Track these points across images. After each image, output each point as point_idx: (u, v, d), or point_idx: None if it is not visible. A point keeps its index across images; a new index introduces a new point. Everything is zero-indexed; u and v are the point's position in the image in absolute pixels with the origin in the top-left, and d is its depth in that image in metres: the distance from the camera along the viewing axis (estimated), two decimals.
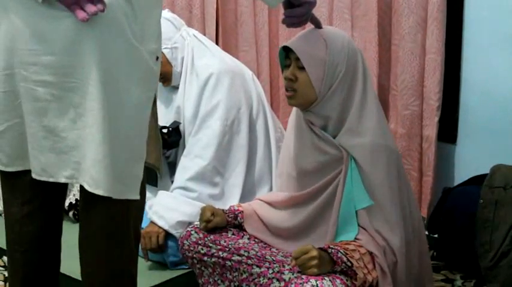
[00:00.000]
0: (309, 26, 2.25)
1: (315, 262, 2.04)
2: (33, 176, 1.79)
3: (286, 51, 2.26)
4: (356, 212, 2.21)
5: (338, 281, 2.09)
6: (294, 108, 2.38)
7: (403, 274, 2.20)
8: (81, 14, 1.61)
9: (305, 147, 2.30)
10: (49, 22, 1.66)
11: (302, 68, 2.21)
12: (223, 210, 2.42)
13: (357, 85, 2.24)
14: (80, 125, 1.72)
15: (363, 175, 2.20)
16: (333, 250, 2.08)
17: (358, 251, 2.12)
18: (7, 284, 2.08)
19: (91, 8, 1.61)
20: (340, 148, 2.22)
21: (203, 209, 2.38)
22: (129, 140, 1.75)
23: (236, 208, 2.44)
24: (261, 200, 2.46)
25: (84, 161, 1.73)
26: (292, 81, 2.22)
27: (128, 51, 1.70)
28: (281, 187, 2.46)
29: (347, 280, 2.10)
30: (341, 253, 2.08)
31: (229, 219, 2.40)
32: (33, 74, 1.70)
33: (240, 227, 2.43)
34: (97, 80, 1.67)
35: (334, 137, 2.25)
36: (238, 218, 2.41)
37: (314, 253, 2.04)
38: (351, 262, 2.08)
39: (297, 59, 2.21)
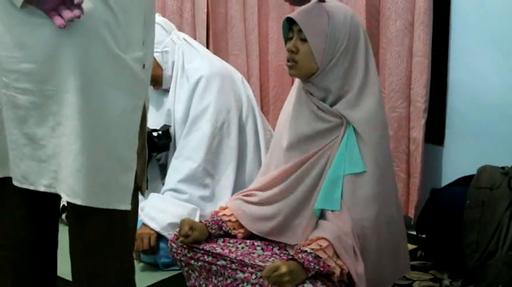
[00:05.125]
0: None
1: (286, 278, 2.01)
2: (15, 183, 1.75)
3: (290, 24, 2.26)
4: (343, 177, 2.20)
5: (319, 282, 2.07)
6: (295, 84, 2.38)
7: (373, 251, 2.19)
8: (58, 21, 1.58)
9: (304, 115, 2.29)
10: (29, 29, 1.63)
11: (304, 40, 2.21)
12: (206, 223, 2.36)
13: (358, 60, 2.24)
14: (59, 133, 1.68)
15: (360, 142, 2.20)
16: (302, 256, 2.06)
17: (320, 246, 2.09)
18: None
19: (68, 14, 1.58)
20: (340, 115, 2.22)
21: (182, 223, 2.33)
22: (114, 150, 1.71)
23: (220, 217, 2.38)
24: (243, 196, 2.41)
25: (61, 170, 1.69)
26: (294, 52, 2.23)
27: (109, 59, 1.66)
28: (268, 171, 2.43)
29: (327, 281, 2.08)
30: (311, 256, 2.06)
31: (213, 231, 2.34)
32: (13, 81, 1.66)
33: (227, 236, 2.38)
34: (75, 88, 1.64)
35: (331, 107, 2.26)
36: (223, 227, 2.36)
37: (283, 269, 2.01)
38: (322, 262, 2.06)
39: (300, 31, 2.22)
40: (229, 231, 2.34)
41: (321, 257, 2.06)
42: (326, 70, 2.22)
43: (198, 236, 2.30)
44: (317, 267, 2.05)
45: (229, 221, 2.35)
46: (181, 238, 2.29)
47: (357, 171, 2.19)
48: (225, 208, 2.39)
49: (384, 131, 2.26)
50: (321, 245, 2.08)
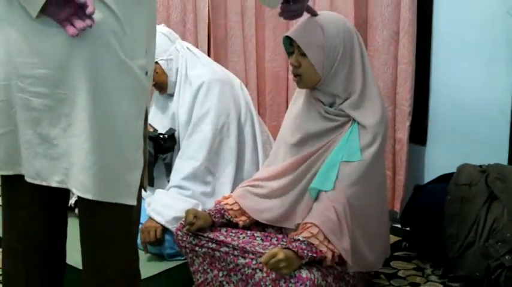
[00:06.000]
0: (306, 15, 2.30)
1: (283, 263, 2.06)
2: (27, 179, 1.76)
3: (290, 40, 2.29)
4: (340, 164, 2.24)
5: (314, 268, 2.13)
6: (300, 90, 2.42)
7: (358, 230, 2.24)
8: (71, 30, 1.60)
9: (312, 116, 2.34)
10: (43, 37, 1.65)
11: (304, 55, 2.25)
12: (209, 212, 2.40)
13: (356, 63, 2.28)
14: (70, 133, 1.69)
15: (362, 136, 2.24)
16: (296, 245, 2.10)
17: (312, 234, 2.15)
18: None
19: (80, 24, 1.59)
20: (346, 113, 2.26)
21: (186, 213, 2.37)
22: (122, 150, 1.72)
23: (222, 206, 2.41)
24: (251, 187, 2.45)
25: (72, 167, 1.70)
26: (297, 67, 2.27)
27: (117, 65, 1.68)
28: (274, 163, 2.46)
29: (322, 267, 2.15)
30: (304, 243, 2.11)
31: (216, 219, 2.38)
32: (28, 86, 1.68)
33: (229, 225, 2.41)
34: (86, 92, 1.65)
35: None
36: (225, 215, 2.40)
37: (281, 255, 2.06)
38: (315, 248, 2.11)
39: (299, 47, 2.25)
40: (231, 219, 2.38)
41: (313, 244, 2.11)
42: (328, 78, 2.26)
43: (202, 224, 2.34)
44: (310, 254, 2.09)
45: (231, 209, 2.39)
46: (187, 226, 2.32)
47: (354, 160, 2.22)
48: (227, 197, 2.43)
49: (385, 128, 2.30)
50: (312, 233, 2.13)
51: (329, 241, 2.15)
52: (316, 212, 2.22)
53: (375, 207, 2.33)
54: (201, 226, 2.35)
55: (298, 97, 2.45)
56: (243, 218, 2.42)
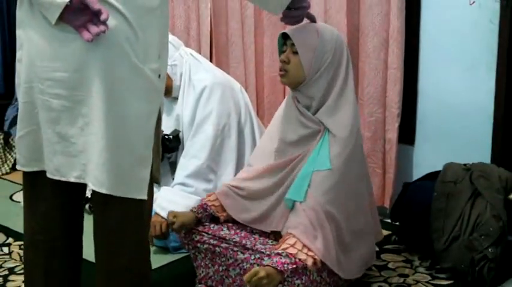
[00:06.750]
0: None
1: (265, 281, 2.06)
2: (48, 175, 1.80)
3: (284, 39, 2.34)
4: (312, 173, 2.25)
5: (315, 274, 2.20)
6: (287, 95, 2.45)
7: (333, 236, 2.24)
8: (86, 35, 1.64)
9: (291, 122, 2.37)
10: (62, 43, 1.69)
11: (296, 53, 2.29)
12: (191, 209, 2.42)
13: (340, 73, 2.31)
14: (87, 132, 1.73)
15: (331, 145, 2.25)
16: (276, 260, 2.09)
17: (289, 244, 2.16)
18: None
19: (94, 29, 1.64)
20: (319, 122, 2.28)
21: (167, 215, 2.41)
22: (133, 148, 1.75)
23: (204, 202, 2.44)
24: (233, 187, 2.47)
25: (89, 163, 1.74)
26: (286, 63, 2.31)
27: (130, 69, 1.71)
28: (255, 162, 2.50)
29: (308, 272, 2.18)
30: (283, 256, 2.10)
31: (199, 215, 2.41)
32: (48, 88, 1.73)
33: (214, 218, 2.45)
34: (101, 93, 1.69)
35: (314, 115, 2.31)
36: (208, 210, 2.43)
37: (261, 273, 2.06)
38: (294, 258, 2.10)
39: (292, 45, 2.29)
40: (213, 213, 2.43)
41: (292, 254, 2.12)
42: (312, 80, 2.29)
43: (184, 221, 2.38)
44: (290, 266, 2.09)
45: (213, 205, 2.44)
46: (171, 226, 2.37)
47: (323, 168, 2.24)
48: (210, 195, 2.48)
49: (357, 137, 2.31)
50: (289, 243, 2.16)
51: (309, 249, 2.17)
52: (292, 223, 2.25)
53: (354, 216, 2.33)
54: (184, 223, 2.38)
55: (283, 102, 2.50)
56: (224, 213, 2.46)
